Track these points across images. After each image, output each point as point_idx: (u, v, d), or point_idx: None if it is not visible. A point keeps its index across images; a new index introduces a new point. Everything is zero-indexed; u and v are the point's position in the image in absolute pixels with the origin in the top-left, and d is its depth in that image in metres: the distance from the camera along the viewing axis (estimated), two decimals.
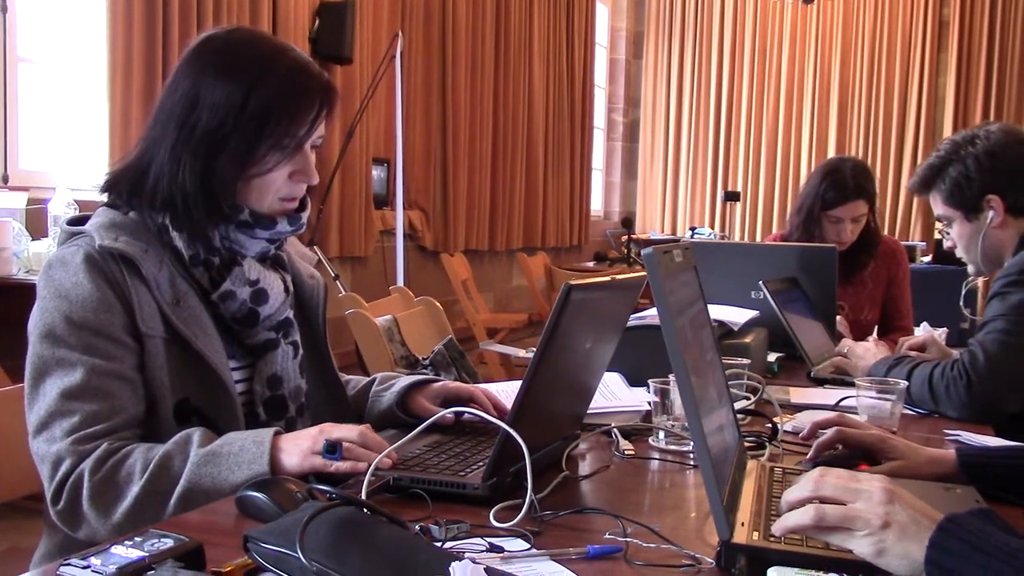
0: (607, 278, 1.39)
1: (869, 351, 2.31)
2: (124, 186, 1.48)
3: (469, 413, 1.54)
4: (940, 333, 2.49)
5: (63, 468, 1.29)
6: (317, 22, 4.94)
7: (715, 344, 1.42)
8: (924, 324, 2.79)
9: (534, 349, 1.24)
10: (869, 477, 1.02)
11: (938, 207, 2.23)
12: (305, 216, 1.55)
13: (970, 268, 2.27)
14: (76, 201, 3.49)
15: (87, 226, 1.44)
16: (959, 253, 2.27)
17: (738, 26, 10.23)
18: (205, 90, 1.43)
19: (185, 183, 1.42)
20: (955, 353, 2.18)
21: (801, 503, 1.02)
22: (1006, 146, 2.13)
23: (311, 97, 1.47)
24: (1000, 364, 1.95)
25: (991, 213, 2.14)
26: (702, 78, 10.39)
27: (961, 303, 3.30)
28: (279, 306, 1.55)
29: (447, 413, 1.49)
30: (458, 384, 1.74)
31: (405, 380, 1.71)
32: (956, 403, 1.96)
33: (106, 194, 1.50)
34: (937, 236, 8.74)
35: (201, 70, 1.44)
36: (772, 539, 1.05)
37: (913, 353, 2.30)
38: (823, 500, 1.00)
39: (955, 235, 2.24)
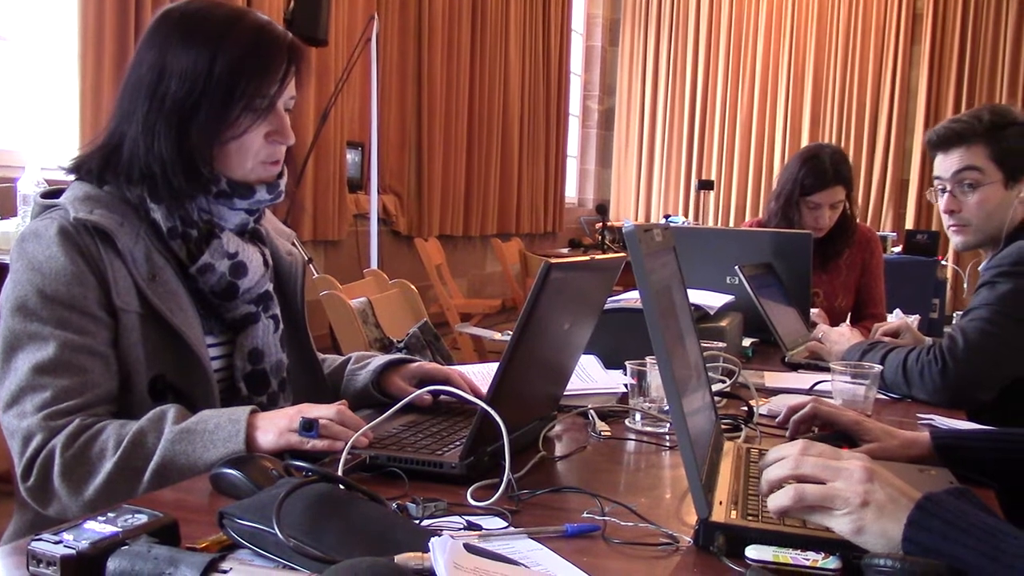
0: (586, 258, 1.39)
1: (844, 336, 2.33)
2: (95, 163, 1.46)
3: (447, 393, 1.53)
4: (912, 320, 2.50)
5: (34, 444, 1.28)
6: (292, 3, 4.88)
7: (693, 325, 1.42)
8: (897, 311, 2.81)
9: (509, 332, 1.23)
10: (849, 455, 1.03)
11: (977, 159, 2.12)
12: (283, 184, 1.54)
13: (957, 239, 2.20)
14: (46, 180, 3.44)
15: (61, 199, 1.42)
16: (963, 219, 2.17)
17: (714, 16, 10.24)
18: (171, 59, 1.41)
19: (162, 152, 1.41)
20: (928, 340, 2.18)
21: (780, 482, 1.02)
22: None
23: (278, 55, 1.46)
24: (977, 351, 1.95)
25: None
26: (677, 67, 10.40)
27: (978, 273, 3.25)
28: (258, 279, 1.54)
29: (424, 392, 1.48)
30: (434, 365, 1.73)
31: (381, 359, 1.70)
32: (929, 387, 1.96)
33: (73, 175, 1.48)
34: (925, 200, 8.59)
35: (164, 41, 1.43)
36: (750, 517, 1.06)
37: (887, 339, 2.31)
38: (802, 478, 1.00)
39: (977, 199, 2.13)
